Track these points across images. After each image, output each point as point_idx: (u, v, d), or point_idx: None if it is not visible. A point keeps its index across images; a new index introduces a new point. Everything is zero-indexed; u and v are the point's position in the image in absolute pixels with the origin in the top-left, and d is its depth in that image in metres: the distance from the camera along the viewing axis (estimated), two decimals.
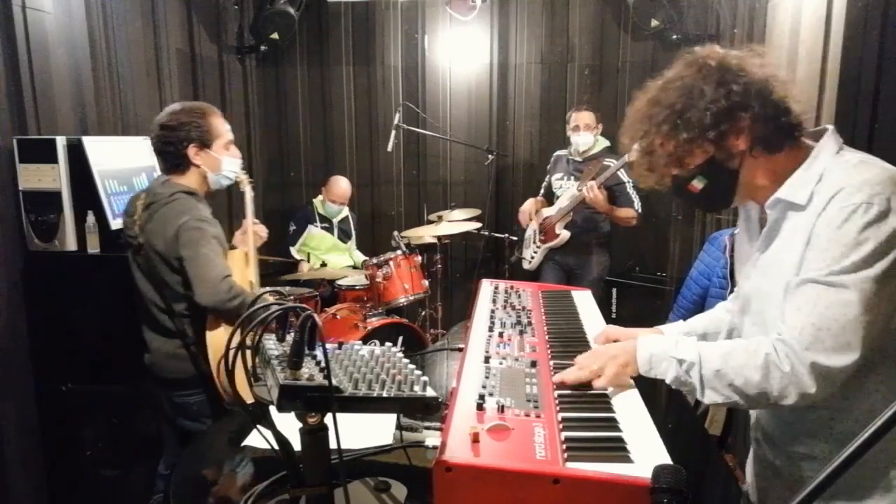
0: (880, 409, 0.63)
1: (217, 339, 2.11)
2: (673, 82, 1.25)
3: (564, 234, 3.82)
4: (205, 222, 2.13)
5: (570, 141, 3.88)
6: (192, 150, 2.18)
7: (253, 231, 2.46)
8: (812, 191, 1.16)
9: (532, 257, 3.99)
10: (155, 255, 2.14)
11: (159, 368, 2.25)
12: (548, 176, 4.06)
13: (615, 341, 1.48)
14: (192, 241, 2.08)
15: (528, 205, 4.00)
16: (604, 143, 3.87)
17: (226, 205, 4.10)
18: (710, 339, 1.53)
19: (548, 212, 3.92)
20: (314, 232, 4.52)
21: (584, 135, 3.79)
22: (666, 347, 1.27)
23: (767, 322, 1.24)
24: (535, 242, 3.99)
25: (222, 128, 2.25)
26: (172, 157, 2.19)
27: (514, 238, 4.32)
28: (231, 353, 1.03)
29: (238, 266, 2.26)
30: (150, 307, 2.21)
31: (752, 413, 1.41)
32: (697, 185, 1.25)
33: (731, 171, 1.23)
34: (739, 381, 1.16)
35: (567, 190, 3.83)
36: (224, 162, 2.26)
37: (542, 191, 4.10)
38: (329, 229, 4.56)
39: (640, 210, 3.73)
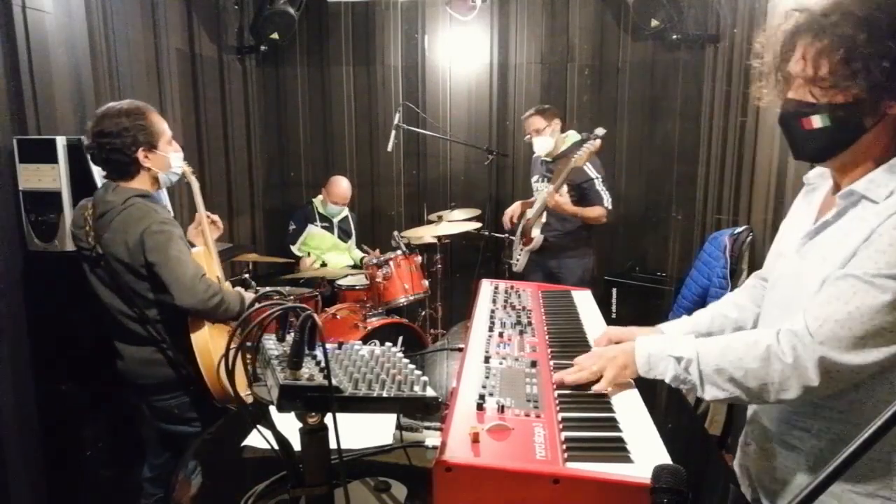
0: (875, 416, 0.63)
1: (201, 338, 2.09)
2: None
3: (538, 238, 3.73)
4: (167, 224, 2.08)
5: None
6: (141, 154, 2.13)
7: (209, 222, 2.41)
8: (892, 189, 1.09)
9: (517, 260, 3.96)
10: (118, 264, 2.09)
11: (134, 375, 2.22)
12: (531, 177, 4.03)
13: (617, 342, 1.47)
14: (160, 245, 2.03)
15: (514, 207, 3.93)
16: (574, 137, 3.76)
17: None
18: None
19: (528, 214, 3.86)
20: (314, 231, 4.53)
21: (538, 140, 3.72)
22: (663, 346, 1.26)
23: (792, 306, 1.19)
24: (519, 245, 3.96)
25: (163, 124, 2.21)
26: (121, 164, 2.13)
27: (514, 238, 4.32)
28: (231, 353, 1.03)
29: (204, 264, 2.23)
30: (117, 318, 2.17)
31: (750, 408, 1.40)
32: (816, 122, 1.12)
33: (858, 127, 1.11)
34: (739, 373, 1.14)
35: (541, 192, 3.75)
36: (172, 159, 2.22)
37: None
38: (329, 229, 4.56)
39: (609, 206, 3.61)
